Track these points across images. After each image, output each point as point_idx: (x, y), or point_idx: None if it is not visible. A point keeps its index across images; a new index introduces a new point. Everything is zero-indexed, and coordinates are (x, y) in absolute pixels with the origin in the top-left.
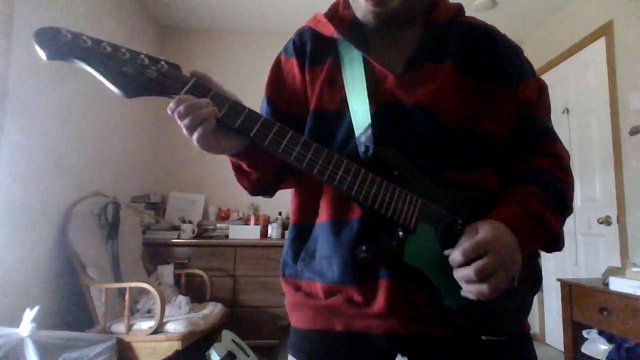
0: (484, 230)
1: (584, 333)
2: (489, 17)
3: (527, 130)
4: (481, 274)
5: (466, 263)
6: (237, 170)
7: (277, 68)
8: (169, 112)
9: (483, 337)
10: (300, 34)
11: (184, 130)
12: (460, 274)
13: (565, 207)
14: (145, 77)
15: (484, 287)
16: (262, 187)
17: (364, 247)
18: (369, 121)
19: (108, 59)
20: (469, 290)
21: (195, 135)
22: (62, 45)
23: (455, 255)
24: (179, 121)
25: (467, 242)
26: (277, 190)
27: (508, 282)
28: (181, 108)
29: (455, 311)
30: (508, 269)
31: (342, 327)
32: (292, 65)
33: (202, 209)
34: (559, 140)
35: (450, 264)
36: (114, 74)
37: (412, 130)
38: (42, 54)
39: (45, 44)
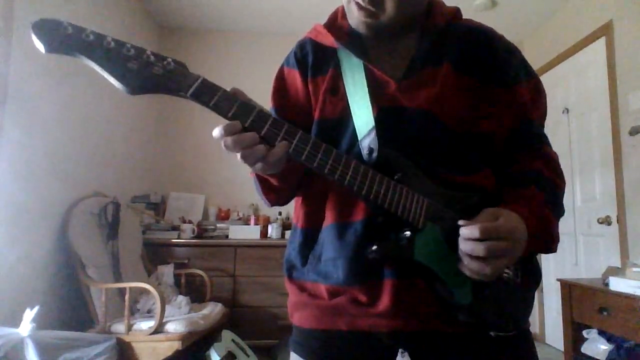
0: (504, 219)
1: (584, 333)
2: (488, 18)
3: (523, 132)
4: (490, 253)
5: (480, 240)
6: (264, 186)
7: (281, 80)
8: (215, 136)
9: (492, 334)
10: (301, 45)
11: (241, 159)
12: (469, 246)
13: (559, 210)
14: (151, 73)
15: (486, 267)
16: (284, 198)
17: (374, 247)
18: (372, 125)
19: (112, 54)
20: (471, 266)
21: (257, 167)
22: (63, 38)
23: (472, 229)
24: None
25: (488, 223)
26: (291, 200)
27: (504, 270)
28: (232, 143)
29: (464, 307)
30: (510, 259)
31: (347, 326)
32: (295, 77)
33: (202, 209)
34: (549, 144)
35: (461, 235)
36: (119, 69)
37: (413, 132)
38: (40, 47)
39: (44, 36)
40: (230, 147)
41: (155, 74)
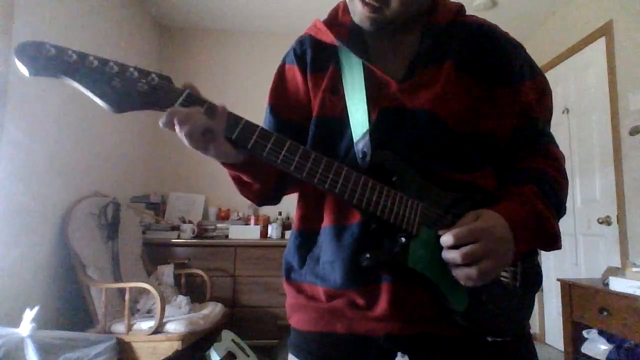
0: (481, 219)
1: (584, 333)
2: (488, 17)
3: (527, 131)
4: (467, 258)
5: (455, 246)
6: (239, 183)
7: (281, 76)
8: (161, 125)
9: (489, 339)
10: (300, 42)
11: (184, 139)
12: (448, 255)
13: (560, 209)
14: (136, 90)
15: (472, 271)
16: (266, 196)
17: (367, 255)
18: (367, 128)
19: (95, 73)
20: (457, 274)
21: (212, 151)
22: (46, 60)
23: (447, 237)
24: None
25: (461, 227)
26: (281, 198)
27: (496, 271)
28: (177, 119)
29: (460, 313)
30: (497, 259)
31: (344, 329)
32: (295, 73)
33: (202, 209)
34: (556, 143)
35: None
36: (102, 88)
37: (414, 133)
38: (24, 71)
39: (27, 60)
40: (181, 123)
41: (139, 91)
